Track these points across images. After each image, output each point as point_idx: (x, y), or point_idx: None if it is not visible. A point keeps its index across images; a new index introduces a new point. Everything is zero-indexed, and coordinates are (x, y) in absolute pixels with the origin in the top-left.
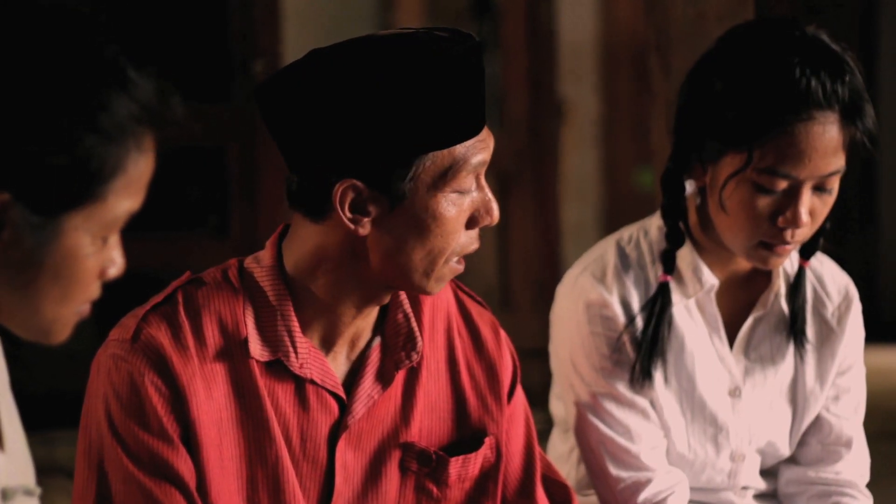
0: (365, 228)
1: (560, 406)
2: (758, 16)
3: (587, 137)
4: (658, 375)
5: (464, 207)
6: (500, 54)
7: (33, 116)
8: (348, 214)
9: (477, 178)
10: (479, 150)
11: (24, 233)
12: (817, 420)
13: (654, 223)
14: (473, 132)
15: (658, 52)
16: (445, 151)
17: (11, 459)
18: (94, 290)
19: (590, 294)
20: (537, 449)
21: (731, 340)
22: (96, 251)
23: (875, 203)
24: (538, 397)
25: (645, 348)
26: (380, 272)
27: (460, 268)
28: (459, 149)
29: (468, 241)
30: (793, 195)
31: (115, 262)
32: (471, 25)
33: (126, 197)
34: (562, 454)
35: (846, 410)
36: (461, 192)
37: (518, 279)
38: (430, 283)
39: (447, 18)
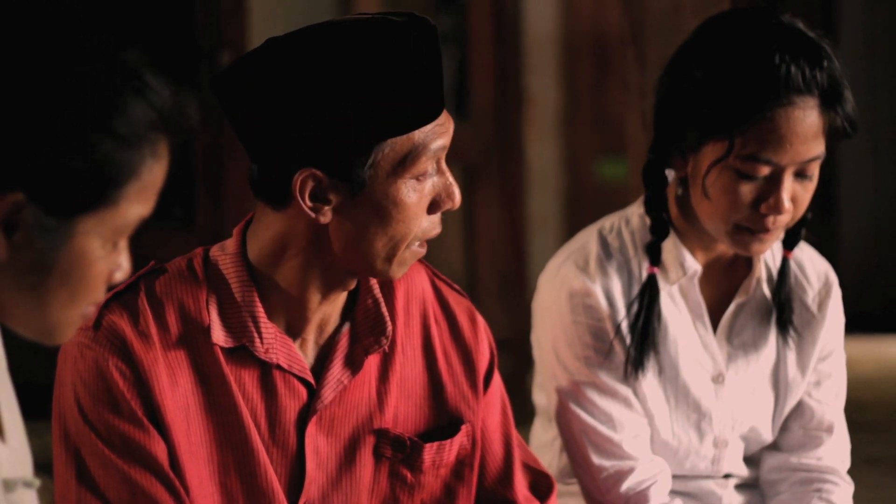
0: (326, 217)
1: (542, 395)
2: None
3: (549, 129)
4: (649, 366)
5: (424, 192)
6: (466, 47)
7: (51, 118)
8: (308, 203)
9: (437, 163)
10: (438, 134)
11: (36, 234)
12: (799, 405)
13: (636, 212)
14: (432, 117)
15: (634, 44)
16: (404, 137)
17: (12, 450)
18: (100, 293)
19: (573, 283)
20: (515, 436)
21: (714, 327)
22: (106, 255)
23: (835, 195)
24: (506, 387)
25: (636, 341)
26: (342, 259)
27: (422, 251)
28: (418, 134)
29: (430, 225)
30: (775, 182)
31: (122, 267)
32: (436, 18)
33: (138, 203)
34: (544, 443)
35: (827, 396)
36: (421, 178)
37: (484, 270)
38: (392, 268)
39: (413, 10)
